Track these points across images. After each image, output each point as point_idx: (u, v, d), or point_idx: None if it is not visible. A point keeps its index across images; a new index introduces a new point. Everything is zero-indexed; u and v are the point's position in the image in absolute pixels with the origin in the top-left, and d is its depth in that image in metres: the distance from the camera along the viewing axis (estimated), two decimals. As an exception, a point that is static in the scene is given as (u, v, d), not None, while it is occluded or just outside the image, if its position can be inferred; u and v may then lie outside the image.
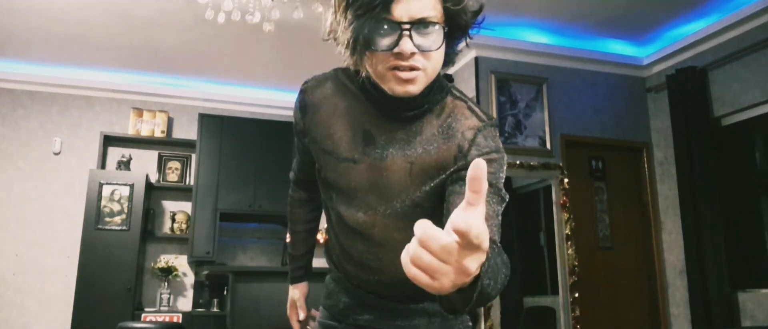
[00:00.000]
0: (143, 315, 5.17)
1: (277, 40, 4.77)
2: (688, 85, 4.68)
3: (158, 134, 5.83)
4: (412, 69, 1.02)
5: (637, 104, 5.27)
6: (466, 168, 1.07)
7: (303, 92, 1.24)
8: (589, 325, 4.63)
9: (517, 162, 4.70)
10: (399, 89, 1.04)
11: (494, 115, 4.73)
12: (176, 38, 4.94)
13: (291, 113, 1.33)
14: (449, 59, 1.10)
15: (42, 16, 4.58)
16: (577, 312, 4.59)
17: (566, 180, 4.78)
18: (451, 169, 1.11)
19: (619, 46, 5.10)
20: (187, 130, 6.04)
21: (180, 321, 5.16)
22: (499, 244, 1.04)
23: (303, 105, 1.23)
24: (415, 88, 1.04)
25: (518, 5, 4.43)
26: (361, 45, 1.01)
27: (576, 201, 4.82)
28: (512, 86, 4.87)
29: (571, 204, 4.76)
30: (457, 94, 1.18)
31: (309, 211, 1.50)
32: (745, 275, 4.45)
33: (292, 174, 1.50)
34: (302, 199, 1.49)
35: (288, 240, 1.56)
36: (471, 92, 4.83)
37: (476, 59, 4.83)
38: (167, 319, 5.12)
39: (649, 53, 5.20)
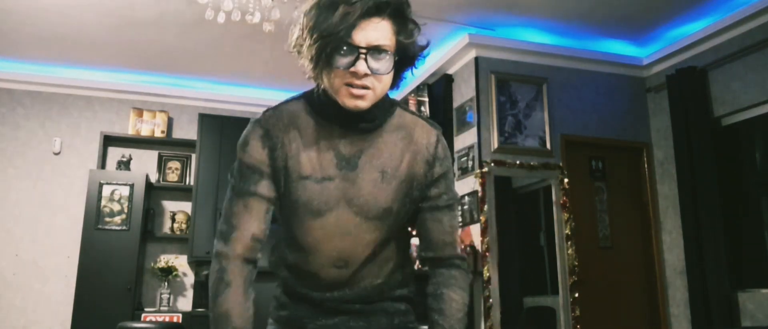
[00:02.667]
0: (143, 315, 5.17)
1: (277, 40, 4.77)
2: (688, 85, 4.68)
3: (158, 134, 5.83)
4: (363, 87, 1.17)
5: (637, 104, 5.27)
6: (435, 184, 1.31)
7: (266, 131, 1.26)
8: (589, 325, 4.62)
9: (517, 162, 4.70)
10: (350, 103, 1.18)
11: (494, 114, 4.74)
12: (176, 38, 4.94)
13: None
14: (396, 83, 1.25)
15: (42, 16, 4.57)
16: (577, 312, 4.58)
17: (566, 180, 4.78)
18: (422, 182, 1.30)
19: (619, 46, 5.10)
20: (187, 130, 6.04)
21: (180, 321, 5.15)
22: (460, 262, 1.34)
23: (271, 143, 1.26)
24: (364, 104, 1.19)
25: (518, 5, 4.43)
26: (323, 61, 1.16)
27: (576, 201, 4.82)
28: (512, 86, 4.87)
29: (571, 204, 4.75)
30: (405, 107, 1.35)
31: (251, 293, 1.24)
32: (745, 275, 4.45)
33: (236, 245, 1.23)
34: (248, 276, 1.23)
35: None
36: (471, 92, 4.83)
37: (476, 59, 4.83)
38: (167, 319, 5.12)
39: (649, 53, 5.20)
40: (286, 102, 1.32)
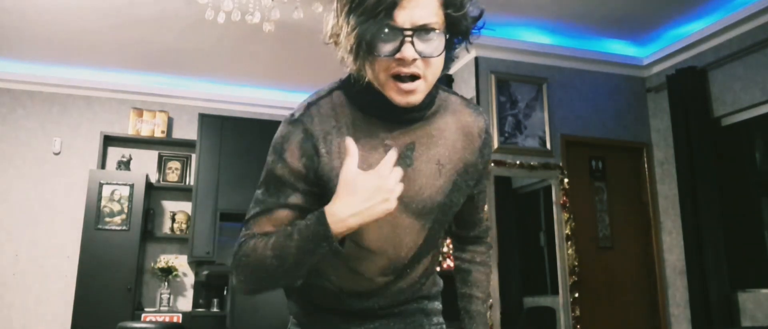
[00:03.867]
0: (143, 315, 5.17)
1: (277, 40, 4.77)
2: (688, 85, 4.68)
3: (158, 134, 5.83)
4: (413, 76, 1.03)
5: (637, 104, 5.27)
6: (484, 169, 1.26)
7: (308, 132, 1.10)
8: (589, 325, 4.63)
9: (517, 162, 4.70)
10: (401, 100, 1.05)
11: (494, 114, 4.74)
12: (176, 38, 4.94)
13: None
14: (447, 64, 1.10)
15: (42, 16, 4.57)
16: (577, 312, 4.58)
17: (566, 180, 4.78)
18: (474, 172, 1.22)
19: (619, 46, 5.10)
20: (187, 130, 6.03)
21: (180, 321, 5.15)
22: (484, 235, 1.40)
23: (314, 145, 1.10)
24: (416, 99, 1.06)
25: (518, 5, 4.43)
26: (364, 50, 1.02)
27: (576, 201, 4.82)
28: (512, 86, 4.87)
29: (571, 204, 4.75)
30: (444, 88, 1.21)
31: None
32: (745, 275, 4.45)
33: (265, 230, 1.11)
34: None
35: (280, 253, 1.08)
36: (471, 92, 4.83)
37: (476, 59, 4.83)
38: (167, 319, 5.12)
39: (649, 53, 5.20)
40: (325, 94, 1.15)
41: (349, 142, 1.03)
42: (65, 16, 4.58)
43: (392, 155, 1.03)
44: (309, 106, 1.14)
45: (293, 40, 4.84)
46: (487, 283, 1.37)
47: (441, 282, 1.35)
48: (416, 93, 1.05)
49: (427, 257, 1.23)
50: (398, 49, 1.00)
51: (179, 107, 6.08)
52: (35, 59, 5.42)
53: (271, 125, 5.92)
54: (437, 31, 1.02)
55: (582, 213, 4.86)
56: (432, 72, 1.05)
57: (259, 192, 1.13)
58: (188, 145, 5.93)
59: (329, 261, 1.10)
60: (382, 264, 1.16)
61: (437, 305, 1.33)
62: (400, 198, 1.07)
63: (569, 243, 4.69)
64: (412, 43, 1.00)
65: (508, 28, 4.78)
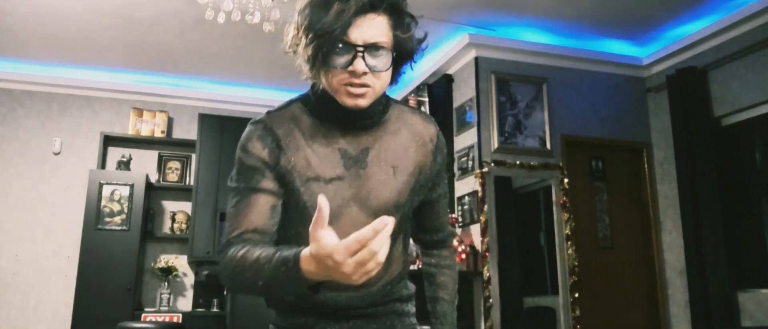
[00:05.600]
0: (143, 315, 5.17)
1: (277, 40, 4.76)
2: (688, 85, 4.68)
3: (158, 134, 5.83)
4: (362, 85, 1.16)
5: (637, 104, 5.27)
6: (436, 176, 1.36)
7: (269, 129, 1.24)
8: (589, 325, 4.63)
9: (517, 162, 4.70)
10: (350, 102, 1.18)
11: (494, 114, 4.74)
12: (176, 38, 4.94)
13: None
14: (395, 79, 1.24)
15: (42, 16, 4.57)
16: (577, 312, 4.58)
17: (566, 180, 4.78)
18: (428, 174, 1.33)
19: (619, 46, 5.10)
20: (187, 130, 6.03)
21: (180, 321, 5.15)
22: (448, 239, 1.46)
23: (275, 139, 1.23)
24: (364, 102, 1.18)
25: (518, 5, 4.43)
26: (320, 62, 1.15)
27: (576, 201, 4.82)
28: (512, 86, 4.87)
29: (571, 204, 4.75)
30: (396, 101, 1.36)
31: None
32: (745, 275, 4.45)
33: (236, 240, 1.18)
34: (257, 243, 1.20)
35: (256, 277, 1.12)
36: (471, 92, 4.83)
37: (476, 59, 4.83)
38: (167, 319, 5.12)
39: (649, 53, 5.20)
40: (284, 105, 1.31)
41: (321, 199, 0.95)
42: (65, 16, 4.58)
43: (324, 208, 0.95)
44: (269, 112, 1.29)
45: (293, 40, 4.84)
46: (454, 285, 1.46)
47: (412, 286, 1.43)
48: (365, 97, 1.17)
49: (393, 257, 1.31)
50: (350, 63, 1.13)
51: (179, 107, 6.08)
52: (35, 59, 5.42)
53: (271, 125, 5.92)
54: (386, 49, 1.16)
55: (582, 213, 4.86)
56: (380, 84, 1.19)
57: (232, 184, 1.24)
58: (188, 145, 5.93)
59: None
60: None
61: (410, 307, 1.41)
62: (358, 199, 1.24)
63: (569, 243, 4.69)
64: (364, 57, 1.13)
65: (508, 28, 4.78)
